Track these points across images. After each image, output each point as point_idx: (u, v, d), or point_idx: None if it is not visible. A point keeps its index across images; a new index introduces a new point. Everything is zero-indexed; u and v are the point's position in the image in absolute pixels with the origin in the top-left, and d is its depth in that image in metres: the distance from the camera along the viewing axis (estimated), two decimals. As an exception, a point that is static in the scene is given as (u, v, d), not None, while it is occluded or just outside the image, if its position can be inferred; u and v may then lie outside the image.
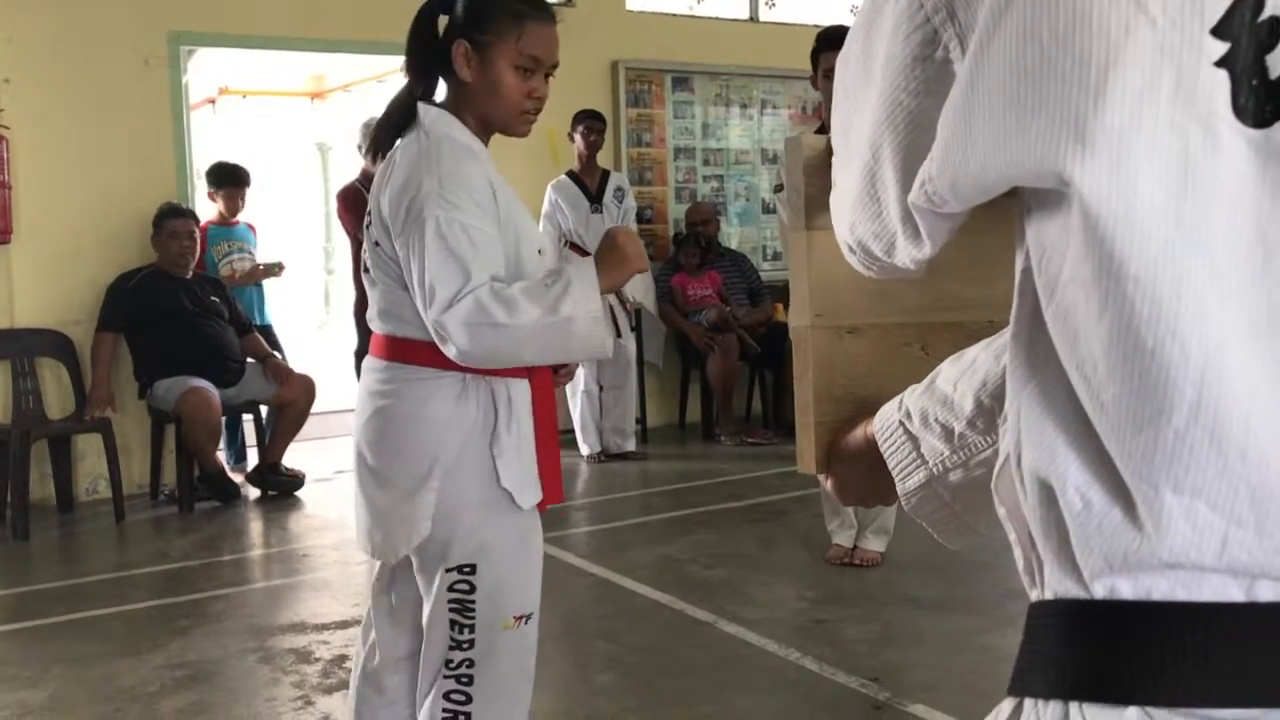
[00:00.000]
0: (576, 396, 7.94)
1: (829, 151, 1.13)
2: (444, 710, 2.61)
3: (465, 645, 2.58)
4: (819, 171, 1.23)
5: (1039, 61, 0.75)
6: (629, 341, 8.02)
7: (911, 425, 1.18)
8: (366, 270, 2.64)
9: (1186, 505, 0.73)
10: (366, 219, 2.61)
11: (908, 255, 0.97)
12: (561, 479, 2.69)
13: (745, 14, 9.73)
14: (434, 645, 2.62)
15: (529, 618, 2.64)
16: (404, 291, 2.51)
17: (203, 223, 7.49)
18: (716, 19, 9.56)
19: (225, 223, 7.73)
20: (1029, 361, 0.84)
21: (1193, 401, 0.72)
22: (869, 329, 1.39)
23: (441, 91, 2.65)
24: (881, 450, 1.22)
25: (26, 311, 7.03)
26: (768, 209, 9.59)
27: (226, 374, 7.03)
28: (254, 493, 7.23)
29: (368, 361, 2.68)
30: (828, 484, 1.38)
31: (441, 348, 2.44)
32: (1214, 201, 0.71)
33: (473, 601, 2.56)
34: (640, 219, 8.41)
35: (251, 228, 7.95)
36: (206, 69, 9.30)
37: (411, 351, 2.56)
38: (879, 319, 1.39)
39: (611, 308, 7.78)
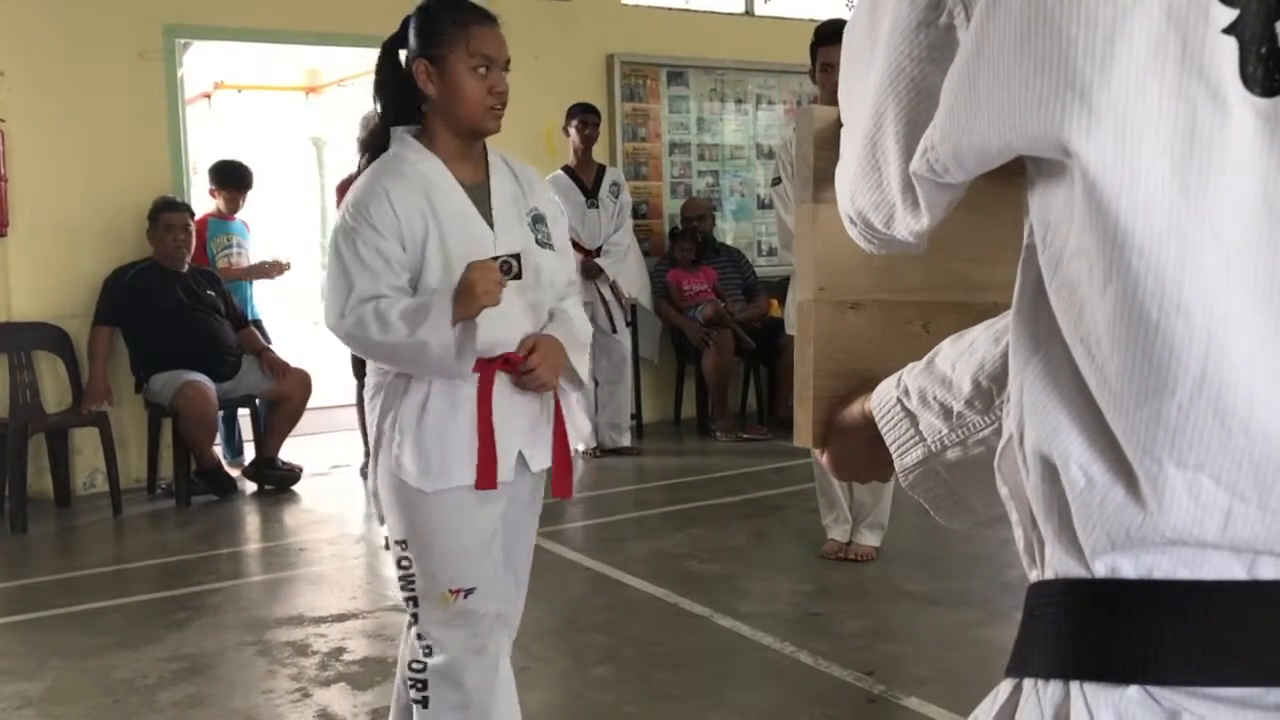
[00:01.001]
0: (572, 391, 7.92)
1: (840, 124, 1.12)
2: (408, 678, 2.89)
3: (414, 619, 2.84)
4: (829, 144, 1.22)
5: (1043, 25, 0.74)
6: (624, 337, 8.03)
7: (910, 402, 1.18)
8: None
9: (1190, 480, 0.73)
10: None
11: (906, 227, 0.97)
12: (495, 468, 2.80)
13: (741, 8, 9.72)
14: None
15: (469, 592, 2.81)
16: None
17: (200, 216, 7.49)
18: (712, 13, 9.55)
19: (223, 216, 7.74)
20: (1032, 338, 0.83)
21: (1197, 375, 0.71)
22: (872, 305, 1.38)
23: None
24: (879, 426, 1.22)
25: (23, 305, 7.03)
26: (763, 204, 9.58)
27: (223, 368, 7.03)
28: (251, 487, 7.22)
29: None
30: (823, 458, 1.38)
31: None
32: (1221, 171, 0.70)
33: (412, 574, 2.81)
34: (635, 214, 8.41)
35: (246, 224, 7.95)
36: (202, 63, 9.30)
37: None
38: (883, 295, 1.38)
39: (606, 303, 7.84)
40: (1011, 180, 1.28)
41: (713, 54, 9.35)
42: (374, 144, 2.89)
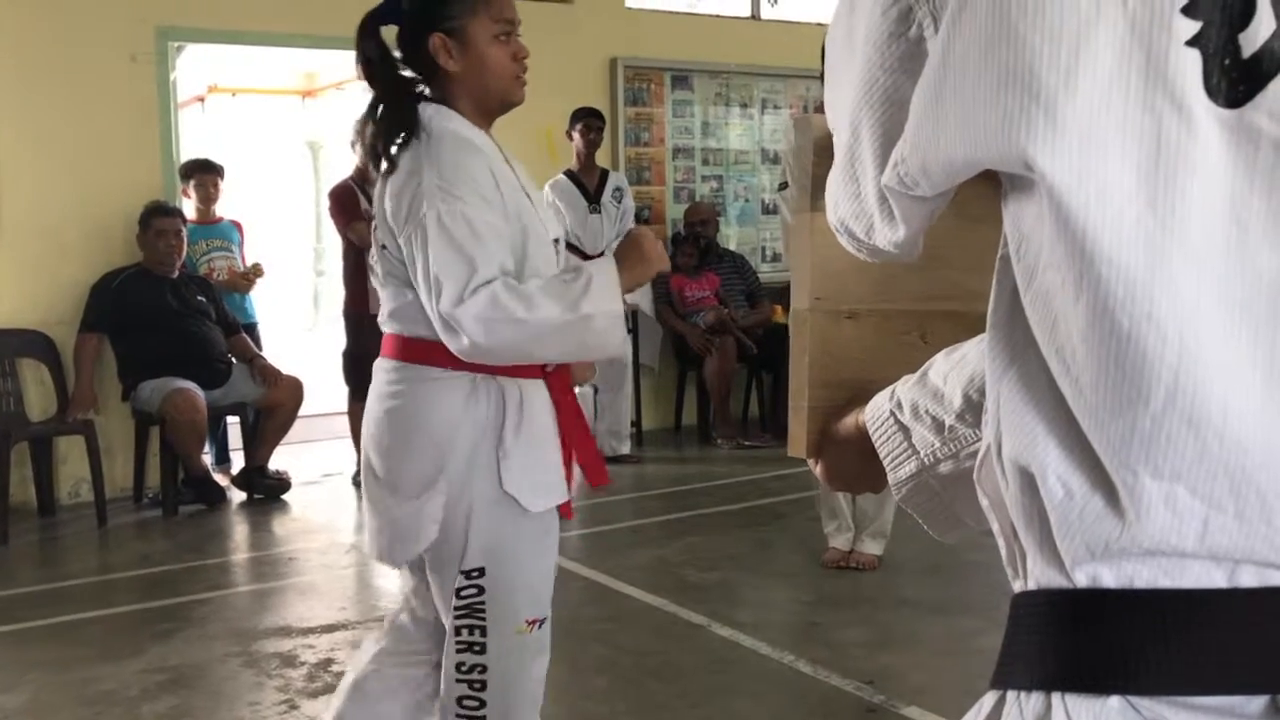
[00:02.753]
0: (571, 398, 7.86)
1: None
2: (458, 715, 2.60)
3: (477, 649, 2.55)
4: (828, 152, 1.21)
5: (1007, 37, 0.74)
6: (625, 344, 7.92)
7: (903, 415, 1.19)
8: (374, 272, 2.62)
9: (1166, 490, 0.73)
10: (374, 222, 2.58)
11: (884, 238, 0.96)
12: (604, 465, 2.70)
13: (746, 11, 9.65)
14: (450, 650, 2.59)
15: (542, 622, 2.62)
16: (411, 291, 2.49)
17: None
18: (717, 16, 9.49)
19: (205, 220, 7.62)
20: (1008, 349, 0.83)
21: (1169, 385, 0.72)
22: (869, 315, 1.38)
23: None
24: (873, 439, 1.22)
25: (8, 311, 6.94)
26: (767, 209, 9.51)
27: (212, 375, 6.94)
28: (239, 496, 7.15)
29: (378, 363, 2.64)
30: (817, 469, 1.38)
31: (448, 341, 2.40)
32: (1187, 183, 0.71)
33: (482, 605, 2.53)
34: (638, 219, 8.35)
35: (237, 225, 7.86)
36: (196, 66, 9.24)
37: (421, 351, 2.52)
38: (879, 305, 1.38)
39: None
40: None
41: (718, 58, 9.29)
42: (398, 124, 2.54)
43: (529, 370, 2.54)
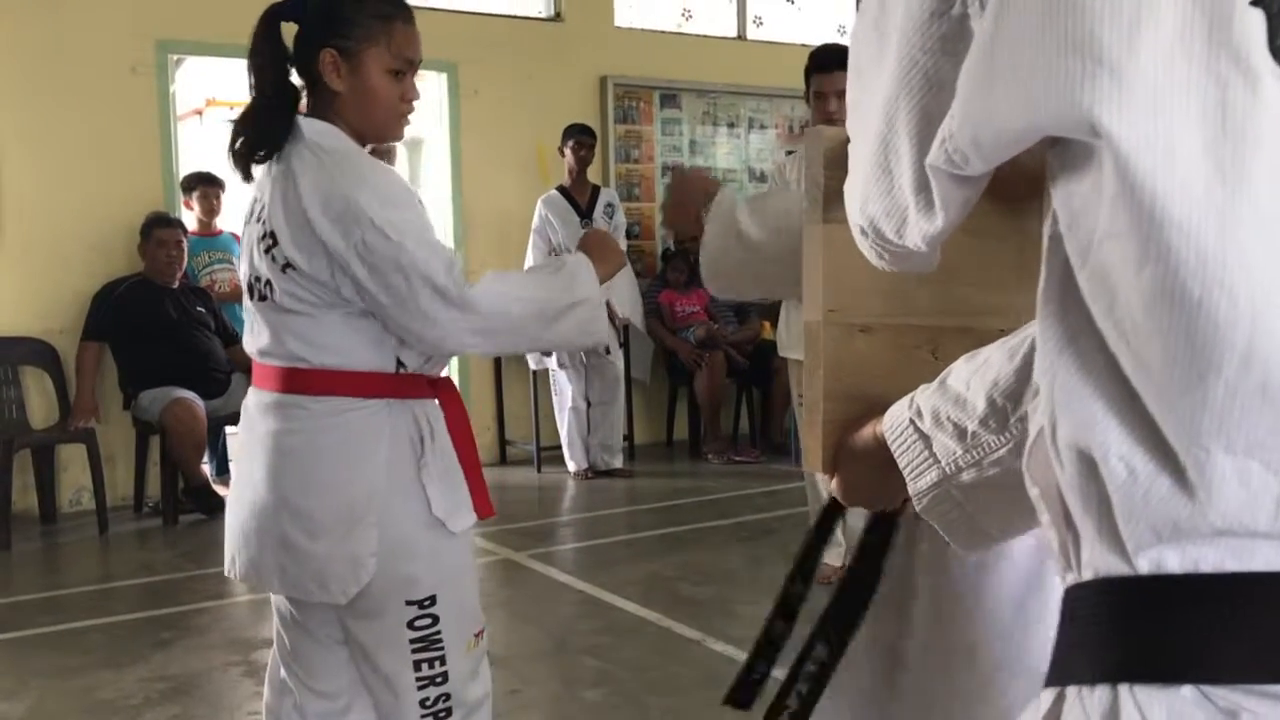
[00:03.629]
0: (564, 413, 7.93)
1: (847, 143, 1.10)
2: None
3: (439, 680, 2.47)
4: (839, 163, 1.21)
5: (1067, 3, 0.72)
6: (617, 358, 8.01)
7: (923, 424, 1.16)
8: (264, 299, 2.41)
9: (1239, 466, 0.70)
10: (263, 243, 2.39)
11: (919, 231, 0.94)
12: (488, 492, 2.56)
13: (733, 32, 9.73)
14: (404, 692, 2.48)
15: (483, 632, 2.58)
16: (327, 315, 2.36)
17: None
18: (705, 36, 9.56)
19: (206, 232, 7.67)
20: (1062, 330, 0.80)
21: (1243, 353, 0.69)
22: (881, 328, 1.37)
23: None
24: (891, 449, 1.19)
25: (11, 320, 6.98)
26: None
27: (213, 385, 6.97)
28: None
29: (265, 399, 2.46)
30: (833, 484, 1.35)
31: (443, 328, 2.32)
32: (1256, 145, 0.69)
33: (438, 634, 2.44)
34: (628, 235, 8.41)
35: (236, 237, 7.88)
36: (194, 80, 9.26)
37: (329, 382, 2.39)
38: (892, 319, 1.37)
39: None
40: (1015, 207, 1.28)
41: (705, 77, 9.36)
42: (270, 133, 2.41)
43: (426, 392, 2.48)
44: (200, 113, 10.51)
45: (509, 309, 2.36)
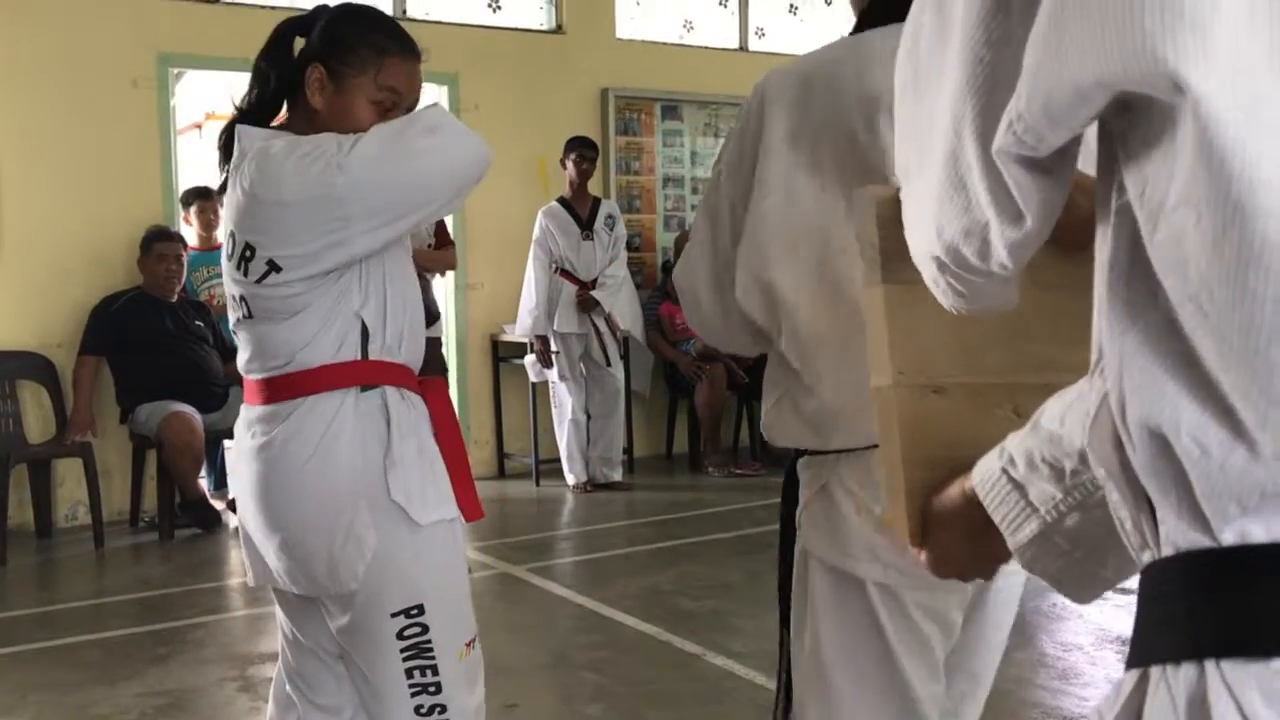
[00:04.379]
0: (563, 425, 7.91)
1: (898, 200, 1.06)
2: None
3: (432, 689, 2.44)
4: (892, 222, 1.16)
5: None
6: (617, 370, 8.00)
7: (1016, 471, 1.06)
8: (244, 318, 2.45)
9: None
10: (233, 261, 2.41)
11: (1004, 242, 0.89)
12: (476, 494, 2.53)
13: (735, 43, 9.73)
14: (396, 703, 2.46)
15: (475, 640, 2.54)
16: (286, 322, 2.38)
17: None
18: (706, 48, 9.56)
19: (206, 247, 7.66)
20: (1128, 307, 0.78)
21: None
22: (955, 388, 1.30)
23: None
24: (985, 504, 1.09)
25: (8, 333, 6.97)
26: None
27: (210, 399, 6.96)
28: (235, 520, 7.10)
29: (250, 414, 2.49)
30: (922, 557, 1.26)
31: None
32: None
33: (429, 642, 2.42)
34: (629, 247, 8.40)
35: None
36: (194, 94, 9.27)
37: (301, 383, 2.41)
38: (966, 378, 1.30)
39: (600, 336, 7.81)
40: (1079, 256, 1.23)
41: (707, 89, 9.36)
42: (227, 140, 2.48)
43: (408, 381, 2.47)
44: (200, 127, 10.52)
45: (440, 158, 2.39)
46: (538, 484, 8.10)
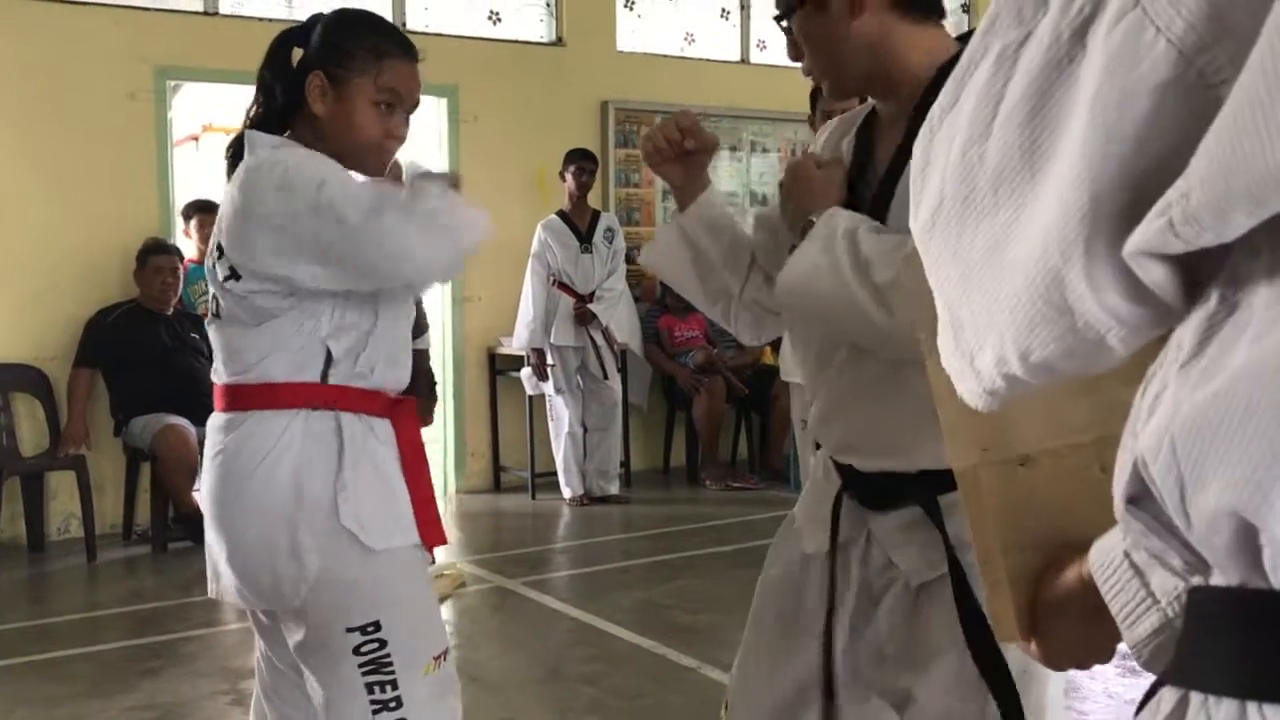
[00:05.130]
0: (560, 438, 7.88)
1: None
2: None
3: (392, 704, 2.41)
4: None
5: None
6: (615, 383, 7.97)
7: (1139, 555, 0.91)
8: (216, 317, 2.50)
9: None
10: (211, 257, 2.48)
11: (1125, 345, 0.81)
12: (438, 520, 2.51)
13: (736, 56, 9.72)
14: (345, 711, 2.44)
15: (445, 654, 2.52)
16: (252, 330, 2.41)
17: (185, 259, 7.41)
18: (707, 60, 9.54)
19: (203, 260, 7.63)
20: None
21: None
22: (1042, 456, 1.18)
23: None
24: (1102, 592, 0.95)
25: (1, 345, 6.94)
26: (755, 251, 9.52)
27: (205, 412, 6.78)
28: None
29: (215, 421, 2.54)
30: (1031, 649, 1.14)
31: (363, 270, 2.33)
32: None
33: (388, 657, 2.40)
34: (628, 260, 8.38)
35: (230, 265, 7.86)
36: (191, 106, 9.26)
37: (256, 397, 2.43)
38: (1050, 442, 1.18)
39: (598, 349, 7.79)
40: None
41: (707, 101, 9.32)
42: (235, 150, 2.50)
43: (371, 406, 2.45)
44: (196, 139, 10.50)
45: (399, 237, 2.32)
46: (534, 497, 8.06)
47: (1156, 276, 0.75)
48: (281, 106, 2.48)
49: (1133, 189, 0.75)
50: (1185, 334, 0.76)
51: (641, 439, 8.93)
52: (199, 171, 9.69)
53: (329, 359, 2.40)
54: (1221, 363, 0.72)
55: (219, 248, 2.45)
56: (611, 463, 8.03)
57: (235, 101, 9.49)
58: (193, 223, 7.56)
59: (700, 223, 2.28)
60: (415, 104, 2.51)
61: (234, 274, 2.41)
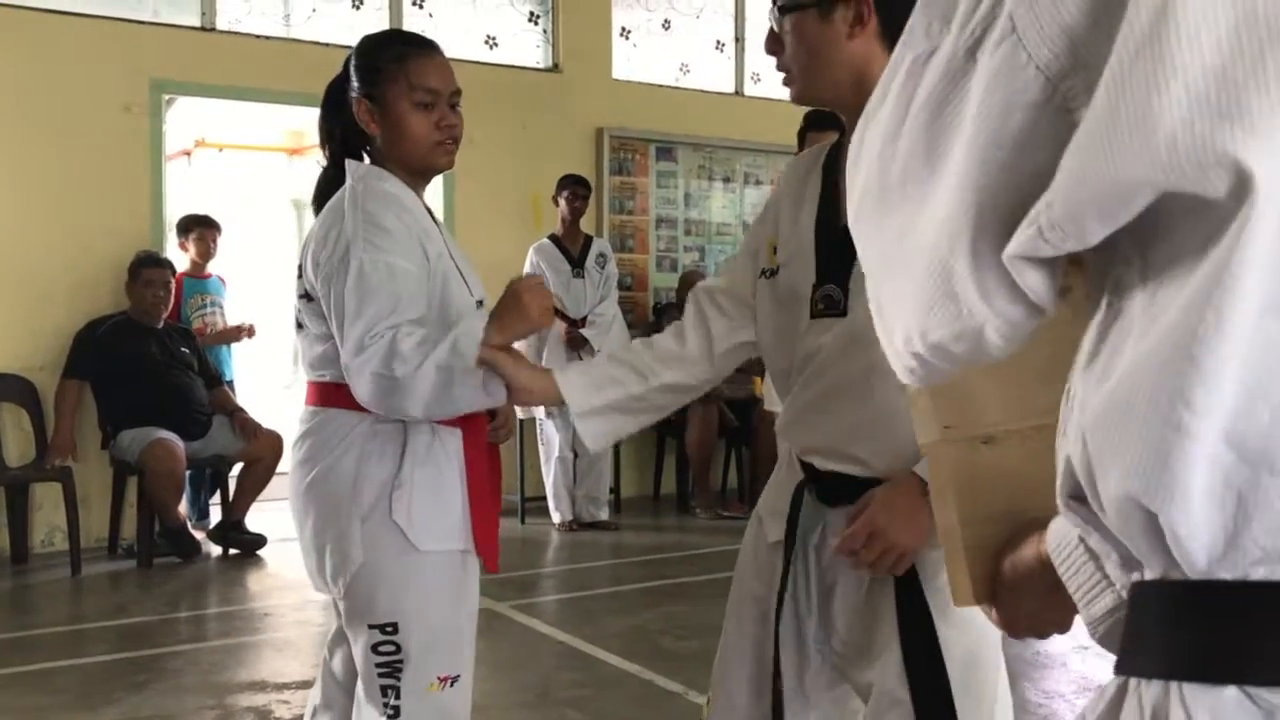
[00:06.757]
0: (550, 463, 7.85)
1: None
2: None
3: (391, 713, 2.46)
4: None
5: (1214, 73, 0.70)
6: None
7: (1092, 539, 0.96)
8: (300, 326, 2.62)
9: None
10: (298, 271, 2.61)
11: (1003, 338, 0.90)
12: (497, 542, 2.59)
13: (731, 87, 9.77)
14: (367, 709, 2.50)
15: (456, 680, 2.52)
16: (327, 340, 2.51)
17: (177, 275, 7.39)
18: (702, 91, 9.59)
19: (199, 275, 7.64)
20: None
21: None
22: (1005, 436, 1.25)
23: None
24: (1059, 573, 1.01)
25: (-9, 355, 6.91)
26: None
27: (193, 426, 6.90)
28: (215, 550, 7.07)
29: (301, 413, 2.67)
30: (992, 616, 1.21)
31: (352, 389, 2.41)
32: None
33: (400, 662, 2.46)
34: (620, 286, 8.39)
35: (222, 280, 7.87)
36: (184, 120, 9.25)
37: (328, 395, 2.55)
38: (1014, 424, 1.24)
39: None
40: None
41: (702, 131, 9.39)
42: (326, 186, 2.63)
43: (447, 420, 2.50)
44: (189, 153, 10.49)
45: (392, 393, 2.37)
46: (523, 521, 8.04)
47: (1030, 281, 0.85)
48: (341, 144, 2.61)
49: (1014, 192, 0.83)
50: (1086, 339, 0.85)
51: (632, 465, 8.92)
52: (191, 186, 9.69)
53: None
54: (1113, 363, 0.80)
55: (300, 266, 2.58)
56: (602, 488, 8.01)
57: (229, 117, 9.58)
58: (191, 236, 7.57)
59: (586, 395, 2.33)
60: (456, 92, 2.60)
61: (306, 296, 2.54)
